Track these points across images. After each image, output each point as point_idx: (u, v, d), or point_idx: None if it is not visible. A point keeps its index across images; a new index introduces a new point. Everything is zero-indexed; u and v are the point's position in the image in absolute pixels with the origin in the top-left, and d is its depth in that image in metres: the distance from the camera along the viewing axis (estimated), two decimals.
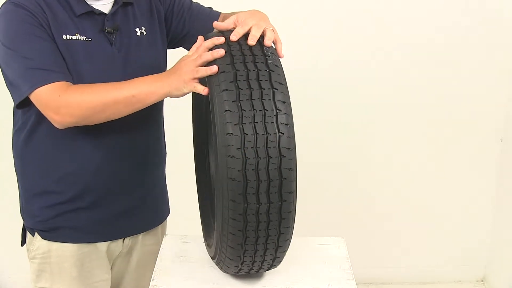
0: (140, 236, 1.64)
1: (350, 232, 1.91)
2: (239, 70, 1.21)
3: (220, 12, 1.63)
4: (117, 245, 1.60)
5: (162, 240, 1.71)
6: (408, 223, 2.92)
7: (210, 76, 1.22)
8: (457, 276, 3.04)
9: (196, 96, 1.55)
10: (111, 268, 1.63)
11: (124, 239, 1.61)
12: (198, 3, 1.65)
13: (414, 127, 2.78)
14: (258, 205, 1.19)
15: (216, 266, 1.48)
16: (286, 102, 1.21)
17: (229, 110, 1.16)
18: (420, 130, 2.78)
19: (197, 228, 1.61)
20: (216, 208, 1.26)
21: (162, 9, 1.57)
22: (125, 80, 1.41)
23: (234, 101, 1.17)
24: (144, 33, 1.52)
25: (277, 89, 1.21)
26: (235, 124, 1.16)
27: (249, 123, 1.16)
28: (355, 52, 2.65)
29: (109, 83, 1.36)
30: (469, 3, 2.63)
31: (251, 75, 1.21)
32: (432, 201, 2.89)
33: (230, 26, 1.34)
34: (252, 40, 1.26)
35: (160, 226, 1.71)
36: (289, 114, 1.20)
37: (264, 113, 1.18)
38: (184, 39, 1.62)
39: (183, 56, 1.36)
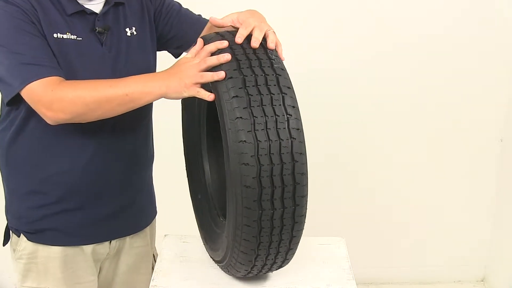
0: (128, 238, 1.62)
1: (350, 232, 1.91)
2: (247, 76, 1.19)
3: (209, 20, 1.59)
4: (104, 247, 1.57)
5: (151, 241, 1.70)
6: (408, 223, 2.92)
7: (216, 82, 1.21)
8: (457, 276, 3.04)
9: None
10: (99, 271, 1.61)
11: (110, 242, 1.58)
12: (187, 9, 1.63)
13: (414, 127, 2.78)
14: (272, 211, 1.19)
15: (217, 267, 1.48)
16: (295, 106, 1.21)
17: (240, 117, 1.15)
18: (420, 130, 2.78)
19: (197, 228, 1.61)
20: (228, 214, 1.25)
21: (152, 8, 1.56)
22: None
23: (245, 107, 1.16)
24: (135, 33, 1.50)
25: (286, 94, 1.21)
26: (248, 131, 1.15)
27: (262, 129, 1.16)
28: (354, 53, 2.64)
29: (104, 80, 1.34)
30: (469, 3, 2.62)
31: (259, 80, 1.19)
32: (432, 201, 2.89)
33: (227, 24, 1.33)
34: (255, 43, 1.24)
35: (148, 227, 1.68)
36: (299, 119, 1.20)
37: (276, 119, 1.17)
38: (170, 42, 1.60)
39: (182, 58, 1.34)
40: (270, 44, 1.27)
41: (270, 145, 1.15)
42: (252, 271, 1.32)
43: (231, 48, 1.24)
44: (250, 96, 1.17)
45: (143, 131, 1.58)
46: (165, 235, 1.66)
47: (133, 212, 1.60)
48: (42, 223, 1.49)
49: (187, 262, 1.53)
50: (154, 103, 1.48)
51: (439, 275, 3.01)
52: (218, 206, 1.54)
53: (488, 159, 2.84)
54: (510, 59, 2.69)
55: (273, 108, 1.18)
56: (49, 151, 1.44)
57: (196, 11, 1.65)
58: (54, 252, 1.50)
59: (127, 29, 1.49)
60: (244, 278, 1.42)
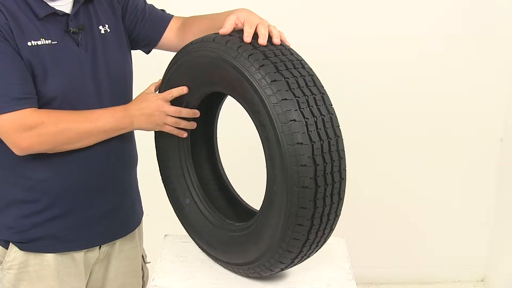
0: (117, 242, 1.59)
1: (350, 232, 1.91)
2: (288, 78, 1.20)
3: (173, 15, 1.60)
4: (93, 253, 1.55)
5: (139, 243, 1.68)
6: (408, 223, 2.92)
7: (258, 85, 1.19)
8: (457, 276, 3.04)
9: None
10: (90, 274, 1.58)
11: (100, 246, 1.55)
12: (151, 5, 1.61)
13: (414, 127, 2.78)
14: (323, 208, 1.22)
15: (217, 266, 1.48)
16: (332, 104, 1.24)
17: (294, 120, 1.16)
18: (420, 130, 2.78)
19: None
20: (270, 216, 1.25)
21: (120, 6, 1.54)
22: (96, 81, 1.41)
23: (296, 110, 1.17)
24: (108, 30, 1.48)
25: (323, 94, 1.24)
26: (302, 133, 1.16)
27: (314, 130, 1.18)
28: (354, 53, 2.64)
29: (80, 114, 1.38)
30: (468, 3, 2.62)
31: (300, 82, 1.21)
32: (432, 201, 2.89)
33: (232, 28, 1.31)
34: (263, 40, 1.25)
35: (136, 229, 1.66)
36: (336, 116, 1.24)
37: (322, 119, 1.20)
38: (136, 41, 1.59)
39: (148, 95, 1.44)
40: (275, 40, 1.27)
41: (322, 145, 1.18)
42: (285, 268, 1.34)
43: (259, 51, 1.23)
44: (297, 98, 1.18)
45: (127, 133, 1.53)
46: (165, 235, 1.66)
47: (122, 213, 1.58)
48: (33, 231, 1.45)
49: (187, 262, 1.53)
50: None
51: (439, 275, 3.01)
52: (218, 208, 1.53)
53: (488, 159, 2.84)
54: (510, 59, 2.69)
55: (318, 109, 1.20)
56: (34, 159, 1.40)
57: (193, 10, 1.65)
58: (47, 260, 1.47)
59: (101, 27, 1.47)
60: (244, 277, 1.42)
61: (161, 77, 1.49)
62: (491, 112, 2.77)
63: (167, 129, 1.45)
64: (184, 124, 1.45)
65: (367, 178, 2.84)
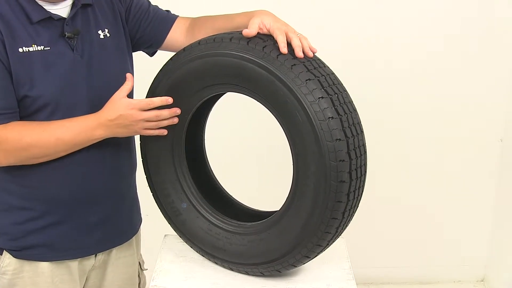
0: (114, 250, 1.57)
1: (350, 232, 1.91)
2: (319, 77, 1.21)
3: (178, 16, 1.57)
4: (89, 260, 1.53)
5: (136, 249, 1.67)
6: (408, 223, 2.91)
7: (293, 84, 1.19)
8: (457, 276, 3.04)
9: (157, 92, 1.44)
10: (86, 280, 1.56)
11: (96, 254, 1.53)
12: (156, 6, 1.58)
13: (414, 127, 2.78)
14: (352, 201, 1.25)
15: (216, 266, 1.48)
16: (352, 101, 1.27)
17: (332, 117, 1.18)
18: (420, 130, 2.78)
19: None
20: (301, 214, 1.26)
21: (122, 8, 1.51)
22: (90, 87, 1.38)
23: (332, 107, 1.19)
24: (108, 35, 1.44)
25: (346, 91, 1.26)
26: (339, 129, 1.19)
27: (348, 126, 1.21)
28: (354, 54, 2.64)
29: (48, 127, 1.34)
30: (469, 3, 2.63)
31: (328, 80, 1.23)
32: (432, 201, 2.89)
33: (256, 32, 1.29)
34: (300, 52, 1.24)
35: (134, 237, 1.63)
36: (358, 113, 1.27)
37: (351, 116, 1.23)
38: (139, 42, 1.56)
39: (121, 104, 1.35)
40: (309, 53, 1.26)
41: (354, 140, 1.22)
42: (305, 263, 1.35)
43: (290, 54, 1.23)
44: (330, 96, 1.20)
45: (124, 138, 1.49)
46: (165, 235, 1.66)
47: (119, 221, 1.56)
48: (28, 239, 1.44)
49: (187, 262, 1.53)
50: None
51: (439, 275, 3.01)
52: (219, 210, 1.50)
53: (488, 159, 2.84)
54: (510, 59, 2.69)
55: (347, 106, 1.23)
56: (28, 167, 1.39)
57: (195, 10, 1.64)
58: (41, 268, 1.46)
59: (100, 31, 1.44)
60: (244, 277, 1.42)
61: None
62: (491, 112, 2.77)
63: (147, 133, 1.40)
64: (165, 123, 1.39)
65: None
